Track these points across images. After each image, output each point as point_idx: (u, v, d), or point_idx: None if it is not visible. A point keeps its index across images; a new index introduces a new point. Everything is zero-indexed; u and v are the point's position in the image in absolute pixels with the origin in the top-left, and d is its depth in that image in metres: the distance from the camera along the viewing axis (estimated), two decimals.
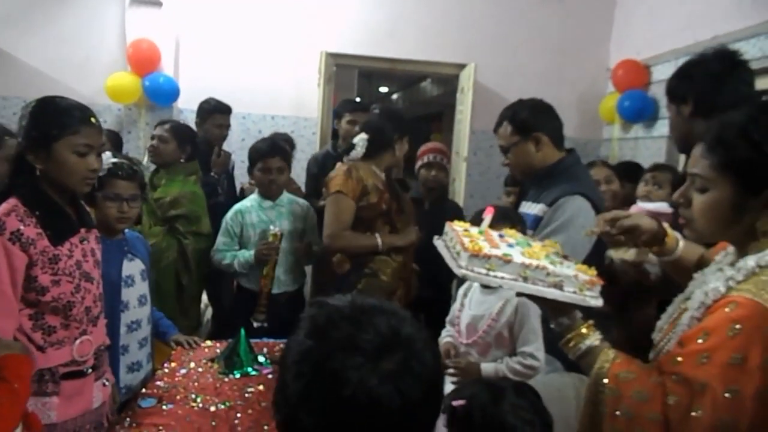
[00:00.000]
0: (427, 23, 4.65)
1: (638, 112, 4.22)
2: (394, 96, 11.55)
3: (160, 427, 1.70)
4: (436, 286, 2.84)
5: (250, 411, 1.82)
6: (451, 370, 1.87)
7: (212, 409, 1.82)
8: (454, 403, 1.25)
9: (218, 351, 2.25)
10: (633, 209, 2.83)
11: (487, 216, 1.46)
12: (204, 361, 2.18)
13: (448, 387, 1.68)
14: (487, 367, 1.86)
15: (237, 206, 2.88)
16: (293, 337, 0.81)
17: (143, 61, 4.22)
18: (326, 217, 2.52)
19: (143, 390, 1.93)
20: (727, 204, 1.06)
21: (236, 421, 1.76)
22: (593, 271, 1.23)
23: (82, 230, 1.67)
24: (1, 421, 1.17)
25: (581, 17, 4.75)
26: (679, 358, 1.02)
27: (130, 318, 2.05)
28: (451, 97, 5.05)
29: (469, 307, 1.97)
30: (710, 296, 1.06)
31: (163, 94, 4.30)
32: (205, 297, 3.24)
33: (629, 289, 1.81)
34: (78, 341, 1.62)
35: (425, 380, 0.77)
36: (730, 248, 1.17)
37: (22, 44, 4.29)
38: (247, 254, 2.72)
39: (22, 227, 1.49)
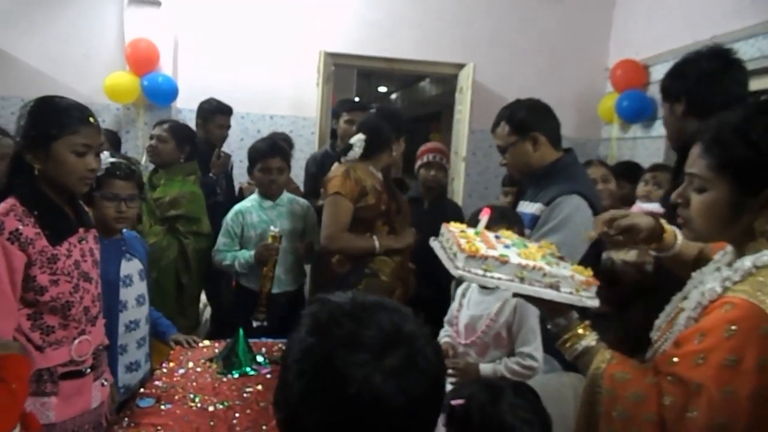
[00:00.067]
0: (426, 23, 4.65)
1: (637, 112, 4.23)
2: (393, 96, 11.55)
3: (159, 427, 1.70)
4: (435, 285, 2.84)
5: (248, 411, 1.82)
6: (449, 371, 1.87)
7: (211, 409, 1.82)
8: (453, 402, 1.25)
9: (217, 351, 2.25)
10: (633, 209, 2.84)
11: (484, 217, 1.46)
12: (202, 360, 2.18)
13: (447, 387, 1.68)
14: (486, 368, 1.86)
15: (237, 207, 2.88)
16: (294, 334, 0.80)
17: (142, 60, 4.22)
18: (324, 218, 2.52)
19: (141, 390, 1.93)
20: (724, 204, 1.06)
21: (234, 421, 1.75)
22: (589, 272, 1.23)
23: (81, 230, 1.67)
24: None
25: (580, 17, 4.75)
26: (675, 359, 1.02)
27: (129, 318, 2.05)
28: (450, 96, 5.05)
29: (468, 307, 1.97)
30: (707, 297, 1.06)
31: (162, 94, 4.30)
32: (203, 297, 3.24)
33: (630, 289, 1.82)
34: (77, 341, 1.62)
35: (429, 376, 0.77)
36: (729, 247, 1.17)
37: (21, 43, 4.28)
38: (248, 255, 2.72)
39: (20, 227, 1.49)
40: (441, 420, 1.30)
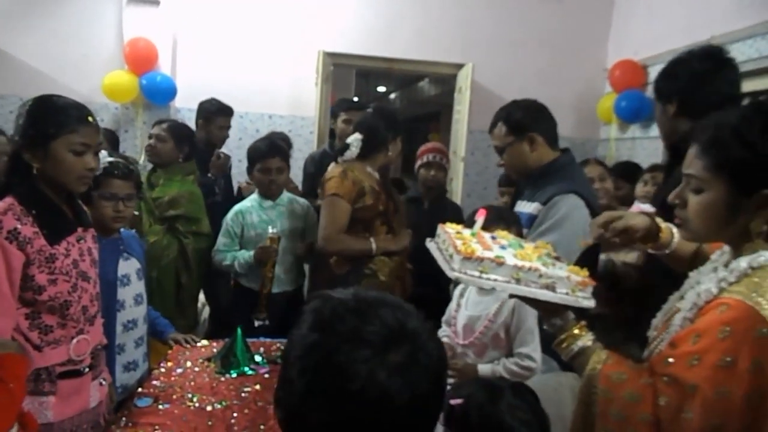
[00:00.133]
0: (425, 23, 4.66)
1: (635, 112, 4.24)
2: (392, 96, 11.54)
3: (157, 427, 1.69)
4: (433, 284, 2.84)
5: (246, 410, 1.82)
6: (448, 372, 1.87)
7: (209, 408, 1.82)
8: (452, 401, 1.25)
9: (215, 350, 2.25)
10: (632, 209, 2.85)
11: (480, 218, 1.46)
12: (200, 360, 2.17)
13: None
14: (484, 368, 1.86)
15: (237, 207, 2.88)
16: (296, 331, 0.79)
17: (140, 59, 4.22)
18: (321, 219, 2.53)
19: (139, 389, 1.93)
20: (721, 205, 1.06)
21: (233, 421, 1.75)
22: (585, 272, 1.23)
23: (79, 229, 1.67)
24: None
25: (579, 17, 4.76)
26: (671, 359, 1.02)
27: (126, 317, 2.05)
28: (449, 96, 5.05)
29: (466, 308, 1.98)
30: (702, 297, 1.07)
31: (160, 93, 4.30)
32: (202, 296, 3.24)
33: (632, 290, 1.82)
34: (75, 340, 1.62)
35: (432, 372, 0.76)
36: (726, 247, 1.17)
37: (19, 43, 4.28)
38: (247, 255, 2.72)
39: (19, 226, 1.49)
40: (440, 419, 1.30)
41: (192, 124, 3.55)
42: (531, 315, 1.84)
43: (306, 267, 3.03)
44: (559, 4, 4.74)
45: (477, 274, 1.16)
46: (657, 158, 3.90)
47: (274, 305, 2.69)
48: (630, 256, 1.88)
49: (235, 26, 4.51)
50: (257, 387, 1.99)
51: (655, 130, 4.15)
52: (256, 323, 2.63)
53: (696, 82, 1.76)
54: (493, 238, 1.36)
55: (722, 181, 1.05)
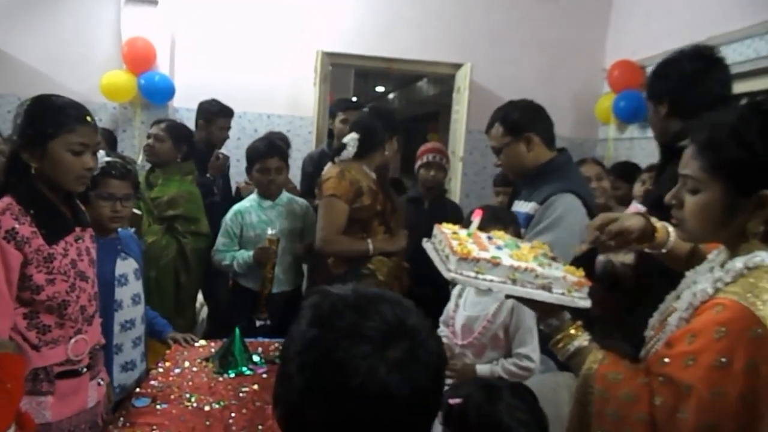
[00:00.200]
0: (424, 23, 4.66)
1: (634, 112, 4.24)
2: (391, 95, 11.55)
3: (154, 427, 1.69)
4: (433, 284, 2.84)
5: (244, 410, 1.82)
6: (446, 372, 1.87)
7: (206, 408, 1.82)
8: (451, 401, 1.26)
9: (213, 350, 2.25)
10: (630, 209, 2.85)
11: (476, 218, 1.46)
12: (198, 360, 2.18)
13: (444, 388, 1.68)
14: (483, 369, 1.86)
15: (236, 207, 2.88)
16: (295, 326, 0.78)
17: (138, 59, 4.22)
18: (319, 221, 2.53)
19: (137, 389, 1.93)
20: (718, 205, 1.06)
21: (230, 421, 1.75)
22: (581, 272, 1.24)
23: (77, 229, 1.66)
24: None
25: (577, 18, 4.76)
26: (666, 359, 1.03)
27: (124, 317, 2.05)
28: (448, 96, 5.06)
29: (464, 308, 1.98)
30: (698, 297, 1.07)
31: (159, 93, 4.30)
32: (200, 296, 3.24)
33: (631, 291, 1.82)
34: (73, 340, 1.62)
35: (431, 368, 0.76)
36: (723, 246, 1.17)
37: (18, 42, 4.28)
38: (246, 255, 2.72)
39: (16, 226, 1.49)
40: (438, 418, 1.31)
41: (190, 124, 3.55)
42: (530, 315, 1.84)
43: (305, 267, 3.04)
44: (558, 4, 4.74)
45: (473, 274, 1.16)
46: (655, 158, 3.88)
47: (273, 305, 2.70)
48: (628, 257, 1.88)
49: (233, 26, 4.51)
50: (255, 387, 1.99)
51: None
52: (258, 323, 2.64)
53: (686, 83, 1.76)
54: (489, 238, 1.36)
55: (719, 181, 1.05)
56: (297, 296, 2.96)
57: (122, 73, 4.23)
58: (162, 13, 4.35)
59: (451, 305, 2.05)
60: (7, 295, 1.47)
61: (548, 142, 2.13)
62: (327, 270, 2.57)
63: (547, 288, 1.18)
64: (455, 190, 4.55)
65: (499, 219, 1.81)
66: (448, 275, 1.17)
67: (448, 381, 1.83)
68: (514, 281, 1.17)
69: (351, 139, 2.57)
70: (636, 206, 2.86)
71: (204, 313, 3.41)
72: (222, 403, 1.85)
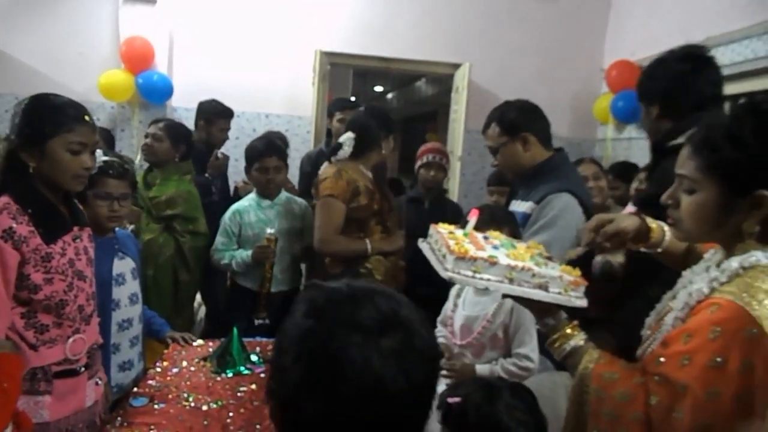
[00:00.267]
0: (422, 23, 4.66)
1: (632, 112, 4.24)
2: (389, 95, 11.54)
3: (152, 427, 1.69)
4: (433, 284, 2.84)
5: (242, 410, 1.82)
6: (445, 372, 1.87)
7: (204, 408, 1.82)
8: (450, 400, 1.26)
9: (211, 350, 2.25)
10: (628, 209, 2.85)
11: (472, 218, 1.46)
12: (196, 360, 2.17)
13: (443, 387, 1.68)
14: (482, 369, 1.86)
15: (235, 206, 2.88)
16: (289, 319, 0.78)
17: (137, 58, 4.21)
18: (317, 221, 2.53)
19: (135, 389, 1.93)
20: (713, 205, 1.06)
21: (228, 421, 1.75)
22: (578, 272, 1.24)
23: (75, 228, 1.66)
24: None
25: (576, 18, 4.77)
26: (662, 359, 1.03)
27: (121, 317, 2.05)
28: (446, 96, 5.06)
29: (463, 308, 1.97)
30: (694, 297, 1.07)
31: (157, 92, 4.29)
32: (198, 296, 3.24)
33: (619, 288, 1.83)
34: (71, 340, 1.62)
35: (426, 358, 0.76)
36: (719, 246, 1.18)
37: (16, 41, 4.27)
38: (245, 254, 2.73)
39: (14, 225, 1.49)
40: (437, 417, 1.31)
41: (188, 124, 3.54)
42: (529, 315, 1.83)
43: (303, 267, 3.04)
44: (556, 4, 4.74)
45: (470, 273, 1.16)
46: None
47: (271, 305, 2.70)
48: (619, 257, 1.88)
49: (231, 25, 4.51)
50: (253, 387, 1.99)
51: None
52: (256, 322, 2.64)
53: (677, 84, 1.76)
54: (486, 238, 1.36)
55: (714, 181, 1.05)
56: (295, 296, 2.96)
57: (120, 73, 4.22)
58: (160, 13, 4.35)
59: (449, 305, 2.05)
60: (4, 295, 1.47)
61: (545, 141, 2.14)
62: (324, 269, 2.57)
63: (544, 287, 1.18)
64: (453, 190, 4.55)
65: (494, 220, 1.80)
66: (445, 274, 1.18)
67: (448, 381, 1.83)
68: (511, 280, 1.18)
69: (347, 138, 2.58)
70: (632, 207, 2.86)
71: (202, 312, 3.41)
72: (220, 403, 1.85)
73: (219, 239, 2.84)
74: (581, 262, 1.34)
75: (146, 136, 2.99)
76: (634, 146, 4.37)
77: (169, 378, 2.02)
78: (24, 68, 4.28)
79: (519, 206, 2.11)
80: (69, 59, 4.32)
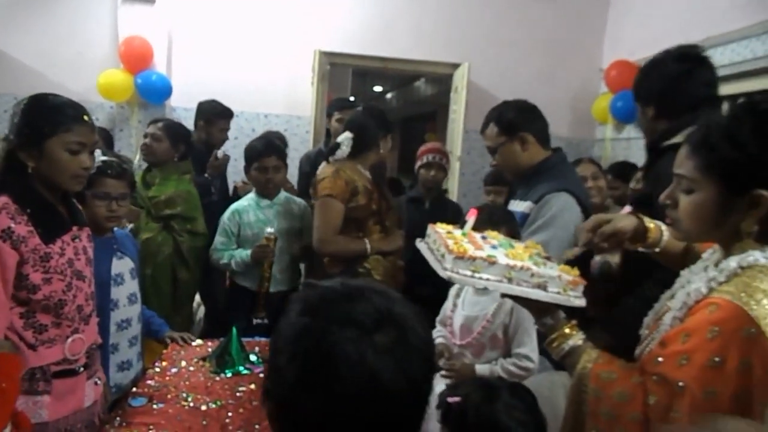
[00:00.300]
0: (421, 22, 4.66)
1: (631, 112, 4.23)
2: (389, 95, 11.54)
3: (151, 426, 1.69)
4: (433, 284, 2.84)
5: (241, 410, 1.82)
6: (445, 372, 1.87)
7: (203, 408, 1.82)
8: (449, 399, 1.26)
9: (210, 350, 2.25)
10: (626, 209, 2.85)
11: (471, 218, 1.46)
12: (195, 360, 2.17)
13: (442, 387, 1.68)
14: (482, 369, 1.86)
15: (234, 206, 2.88)
16: (284, 319, 0.78)
17: (135, 58, 4.20)
18: (316, 221, 2.53)
19: (134, 389, 1.93)
20: (712, 205, 1.06)
21: (227, 420, 1.76)
22: (576, 272, 1.24)
23: (74, 228, 1.66)
24: None
25: (575, 17, 4.77)
26: (660, 359, 1.03)
27: (120, 316, 2.05)
28: (445, 96, 5.06)
29: (462, 308, 1.97)
30: (692, 297, 1.07)
31: (156, 92, 4.29)
32: (197, 296, 3.24)
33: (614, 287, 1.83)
34: (70, 340, 1.62)
35: (422, 353, 0.76)
36: (718, 246, 1.18)
37: (14, 41, 4.27)
38: (244, 254, 2.73)
39: (12, 225, 1.48)
40: (437, 417, 1.31)
41: (187, 123, 3.54)
42: (529, 316, 1.83)
43: (302, 267, 3.04)
44: (555, 4, 4.74)
45: (469, 273, 1.16)
46: None
47: (270, 305, 2.70)
48: (616, 257, 1.89)
49: (230, 25, 4.50)
50: (252, 386, 1.99)
51: None
52: (255, 322, 2.64)
53: (672, 85, 1.77)
54: (484, 237, 1.36)
55: (713, 181, 1.05)
56: None
57: (119, 73, 4.22)
58: (159, 12, 4.34)
59: (448, 305, 2.05)
60: (2, 295, 1.47)
61: (543, 141, 2.15)
62: (323, 269, 2.57)
63: (543, 287, 1.18)
64: (453, 190, 4.55)
65: (491, 220, 1.79)
66: (443, 274, 1.18)
67: (447, 381, 1.83)
68: (510, 280, 1.18)
69: (345, 138, 2.58)
70: (629, 207, 2.86)
71: (201, 312, 3.41)
72: (219, 403, 1.86)
73: (218, 239, 2.84)
74: (579, 262, 1.34)
75: (145, 136, 2.99)
76: (633, 146, 4.37)
77: (168, 378, 2.02)
78: (23, 68, 4.27)
79: (517, 206, 2.12)
80: (68, 59, 4.31)
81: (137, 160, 3.64)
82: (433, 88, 8.39)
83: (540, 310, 1.22)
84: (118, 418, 1.73)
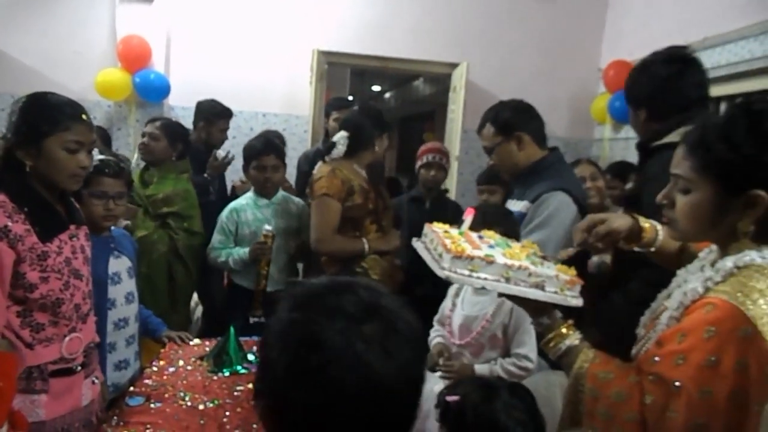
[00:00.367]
0: (420, 22, 4.66)
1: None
2: (387, 95, 11.54)
3: (148, 426, 1.69)
4: (433, 284, 2.84)
5: (239, 409, 1.82)
6: (443, 372, 1.87)
7: (201, 407, 1.82)
8: (448, 398, 1.26)
9: (207, 349, 2.25)
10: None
11: (468, 217, 1.46)
12: (193, 359, 2.17)
13: (441, 386, 1.68)
14: (481, 369, 1.86)
15: (232, 204, 2.88)
16: (273, 316, 0.79)
17: (133, 57, 4.20)
18: (313, 220, 2.53)
19: (131, 388, 1.93)
20: (708, 205, 1.06)
21: (225, 420, 1.76)
22: (573, 271, 1.24)
23: (72, 227, 1.66)
24: None
25: (573, 17, 4.77)
26: (657, 358, 1.03)
27: (117, 315, 2.05)
28: (444, 96, 5.06)
29: (462, 308, 1.97)
30: (689, 296, 1.07)
31: (154, 91, 4.28)
32: (195, 295, 3.23)
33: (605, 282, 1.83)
34: (67, 338, 1.62)
35: (411, 340, 0.76)
36: (714, 245, 1.18)
37: (12, 40, 4.26)
38: (242, 252, 2.73)
39: (9, 223, 1.48)
40: (435, 416, 1.31)
41: (185, 122, 3.53)
42: (528, 316, 1.84)
43: (300, 266, 3.04)
44: (554, 4, 4.75)
45: (467, 272, 1.16)
46: None
47: (268, 304, 2.70)
48: (608, 256, 1.89)
49: (229, 24, 4.50)
50: (250, 386, 1.99)
51: None
52: (252, 320, 2.64)
53: (662, 87, 1.77)
54: (481, 237, 1.36)
55: (709, 181, 1.05)
56: None
57: (117, 71, 4.21)
58: (157, 11, 4.34)
59: (447, 304, 2.04)
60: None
61: (539, 140, 2.15)
62: (320, 269, 2.57)
63: (540, 286, 1.18)
64: (451, 189, 4.54)
65: (485, 221, 1.77)
66: (441, 273, 1.18)
67: (447, 380, 1.83)
68: (507, 279, 1.18)
69: (340, 137, 2.58)
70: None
71: (199, 311, 3.41)
72: (216, 402, 1.86)
73: (216, 237, 2.84)
74: (576, 262, 1.34)
75: (143, 135, 2.99)
76: (632, 146, 4.32)
77: (165, 377, 2.02)
78: (21, 67, 4.27)
79: (514, 205, 2.12)
80: (66, 58, 4.31)
81: (135, 159, 3.63)
82: (431, 87, 8.39)
83: (537, 309, 1.22)
84: (115, 417, 1.73)
